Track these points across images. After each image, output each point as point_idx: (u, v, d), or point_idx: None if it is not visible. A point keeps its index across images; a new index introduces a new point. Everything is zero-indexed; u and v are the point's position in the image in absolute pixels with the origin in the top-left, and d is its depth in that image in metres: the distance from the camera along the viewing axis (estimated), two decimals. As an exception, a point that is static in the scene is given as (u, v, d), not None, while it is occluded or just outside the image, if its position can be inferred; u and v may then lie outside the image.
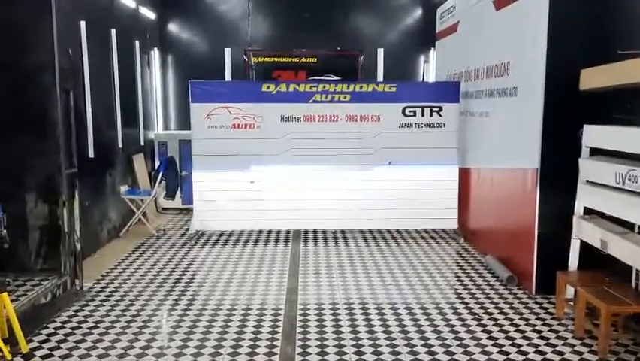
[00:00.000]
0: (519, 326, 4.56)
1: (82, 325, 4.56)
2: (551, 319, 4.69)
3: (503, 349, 4.13)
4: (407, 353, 4.06)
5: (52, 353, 4.06)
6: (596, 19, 4.85)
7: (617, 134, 4.32)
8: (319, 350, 4.12)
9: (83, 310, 4.89)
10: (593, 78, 4.54)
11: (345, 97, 7.18)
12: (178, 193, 8.65)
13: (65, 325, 4.56)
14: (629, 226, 4.24)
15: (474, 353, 4.06)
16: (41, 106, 5.12)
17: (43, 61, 5.06)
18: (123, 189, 7.75)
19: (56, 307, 4.89)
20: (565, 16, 4.91)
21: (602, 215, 4.54)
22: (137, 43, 8.50)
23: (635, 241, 4.00)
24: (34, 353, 4.04)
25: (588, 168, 4.58)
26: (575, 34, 4.90)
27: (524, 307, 4.95)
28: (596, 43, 4.76)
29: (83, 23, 6.41)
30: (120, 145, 7.75)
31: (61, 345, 4.18)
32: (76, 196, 5.36)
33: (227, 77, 9.79)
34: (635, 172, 3.89)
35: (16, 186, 5.24)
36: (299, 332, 4.43)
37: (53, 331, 4.44)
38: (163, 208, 9.15)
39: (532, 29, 5.15)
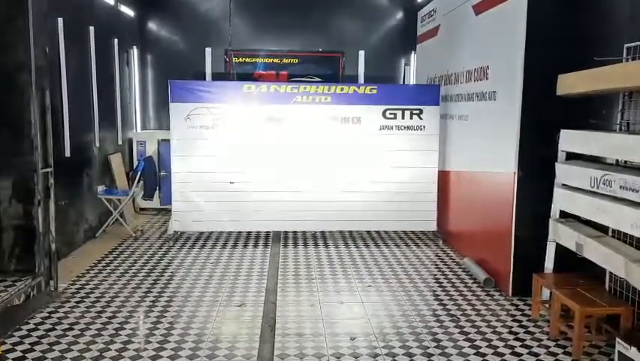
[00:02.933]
0: (496, 327, 4.61)
1: (56, 327, 4.49)
2: (527, 320, 4.76)
3: (480, 350, 4.17)
4: (385, 354, 4.08)
5: (26, 355, 3.99)
6: (574, 26, 4.92)
7: (592, 139, 4.39)
8: (297, 351, 4.12)
9: (58, 311, 4.81)
10: (570, 83, 4.61)
11: (326, 98, 7.18)
12: (156, 193, 8.57)
13: (39, 327, 4.49)
14: (603, 229, 4.32)
15: (451, 355, 4.10)
16: (17, 104, 5.02)
17: (19, 59, 4.96)
18: (100, 188, 7.65)
19: (30, 308, 4.80)
20: (543, 22, 4.99)
21: (578, 218, 4.61)
22: (115, 41, 8.40)
23: (608, 245, 4.08)
24: (7, 355, 3.96)
25: (564, 172, 4.65)
26: (553, 40, 4.97)
27: (501, 309, 5.01)
28: (573, 49, 4.83)
29: (60, 20, 6.31)
30: (97, 144, 7.64)
31: (35, 347, 4.11)
32: (52, 196, 5.27)
33: (208, 77, 9.73)
34: (610, 177, 3.97)
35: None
36: (277, 334, 4.42)
37: (27, 333, 4.36)
38: (141, 209, 9.06)
39: (511, 34, 5.21)
